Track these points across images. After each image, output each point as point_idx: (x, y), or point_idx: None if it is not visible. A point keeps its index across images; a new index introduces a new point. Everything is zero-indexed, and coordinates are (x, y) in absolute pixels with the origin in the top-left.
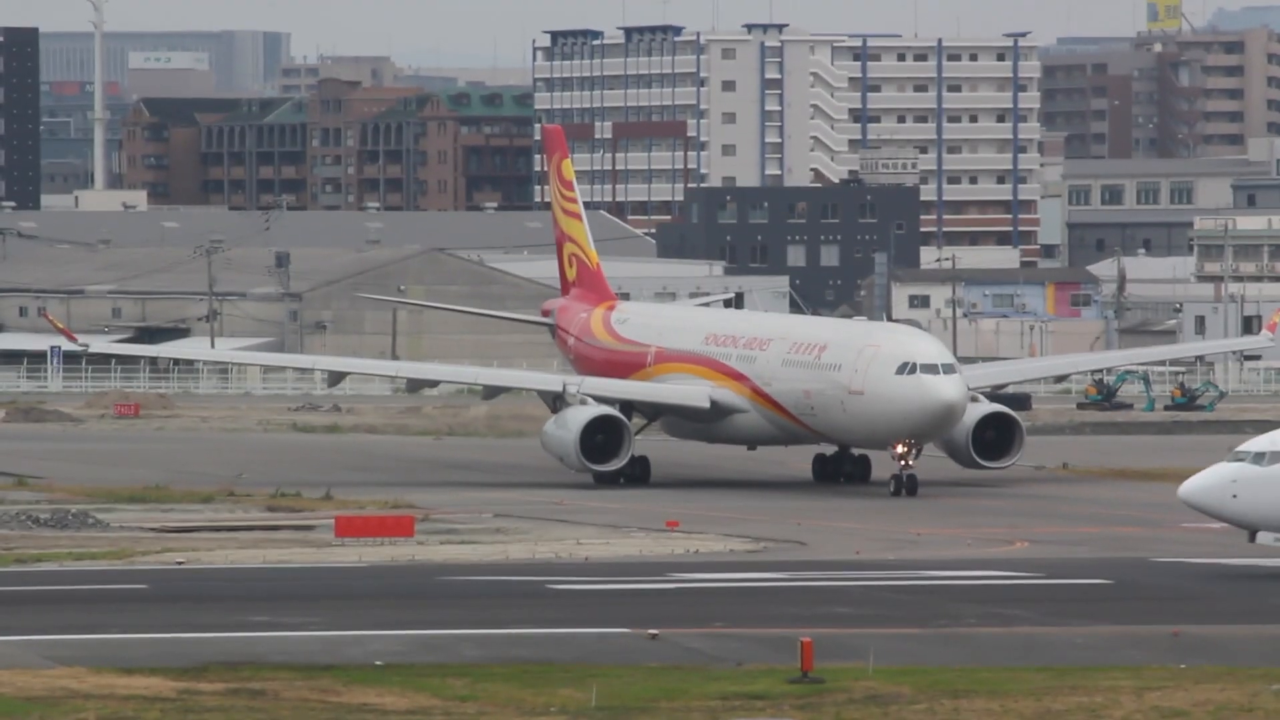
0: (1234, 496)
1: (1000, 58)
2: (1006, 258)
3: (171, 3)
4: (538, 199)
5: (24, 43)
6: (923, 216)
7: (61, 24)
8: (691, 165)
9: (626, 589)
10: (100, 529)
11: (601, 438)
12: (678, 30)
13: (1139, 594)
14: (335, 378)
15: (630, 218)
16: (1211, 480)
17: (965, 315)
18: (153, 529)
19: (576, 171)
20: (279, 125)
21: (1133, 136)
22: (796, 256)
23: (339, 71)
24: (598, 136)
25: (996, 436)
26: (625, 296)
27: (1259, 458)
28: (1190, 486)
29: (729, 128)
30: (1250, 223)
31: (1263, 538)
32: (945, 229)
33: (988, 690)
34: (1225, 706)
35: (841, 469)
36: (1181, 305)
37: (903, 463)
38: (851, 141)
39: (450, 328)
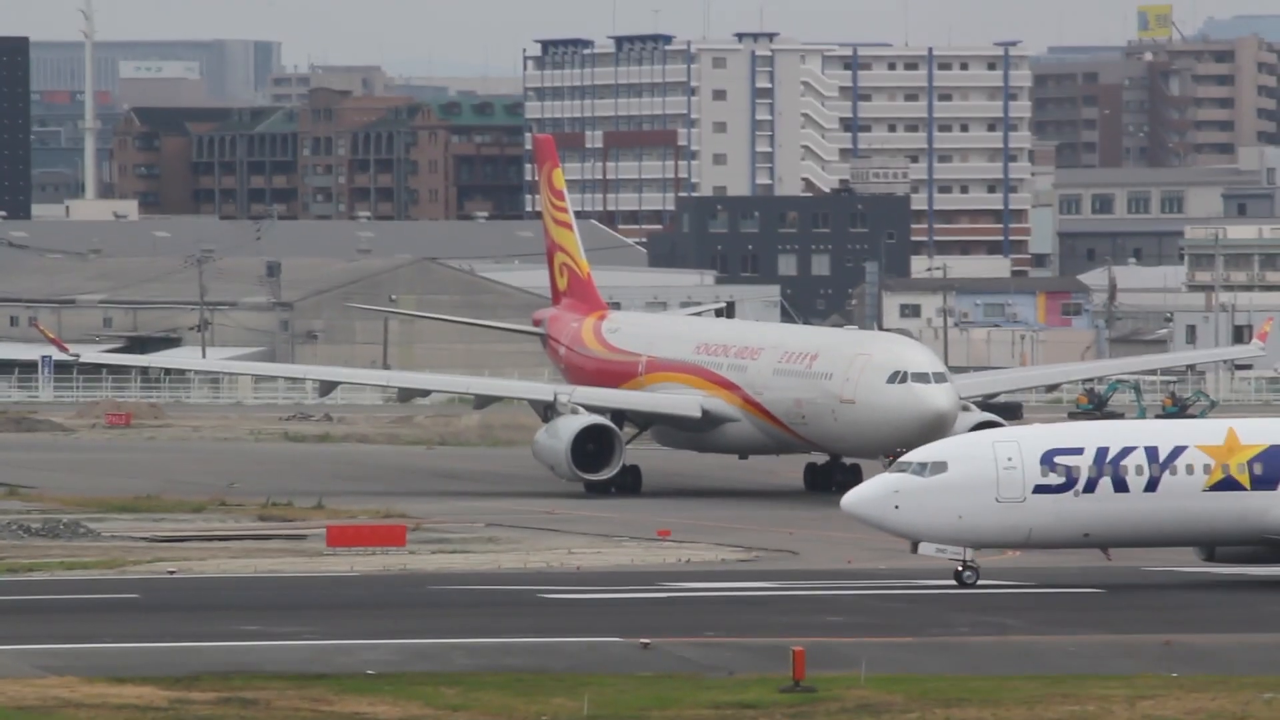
0: (896, 507)
1: (991, 67)
2: (997, 267)
3: (162, 12)
4: (529, 208)
5: (14, 52)
6: (914, 225)
7: (52, 33)
8: (682, 174)
9: (618, 598)
10: (92, 538)
11: (593, 447)
12: (668, 39)
13: (1131, 603)
14: (327, 387)
15: (621, 227)
16: (874, 491)
17: (956, 324)
18: (144, 538)
19: (567, 181)
20: (270, 134)
21: (1123, 145)
22: (787, 266)
23: (330, 81)
24: (588, 146)
25: None
26: (616, 306)
27: (921, 468)
28: (853, 497)
29: (720, 137)
30: (1241, 232)
31: (924, 548)
32: (936, 238)
33: (980, 699)
34: (1217, 715)
35: (833, 478)
36: (1172, 315)
37: None
38: (842, 150)
39: (442, 337)
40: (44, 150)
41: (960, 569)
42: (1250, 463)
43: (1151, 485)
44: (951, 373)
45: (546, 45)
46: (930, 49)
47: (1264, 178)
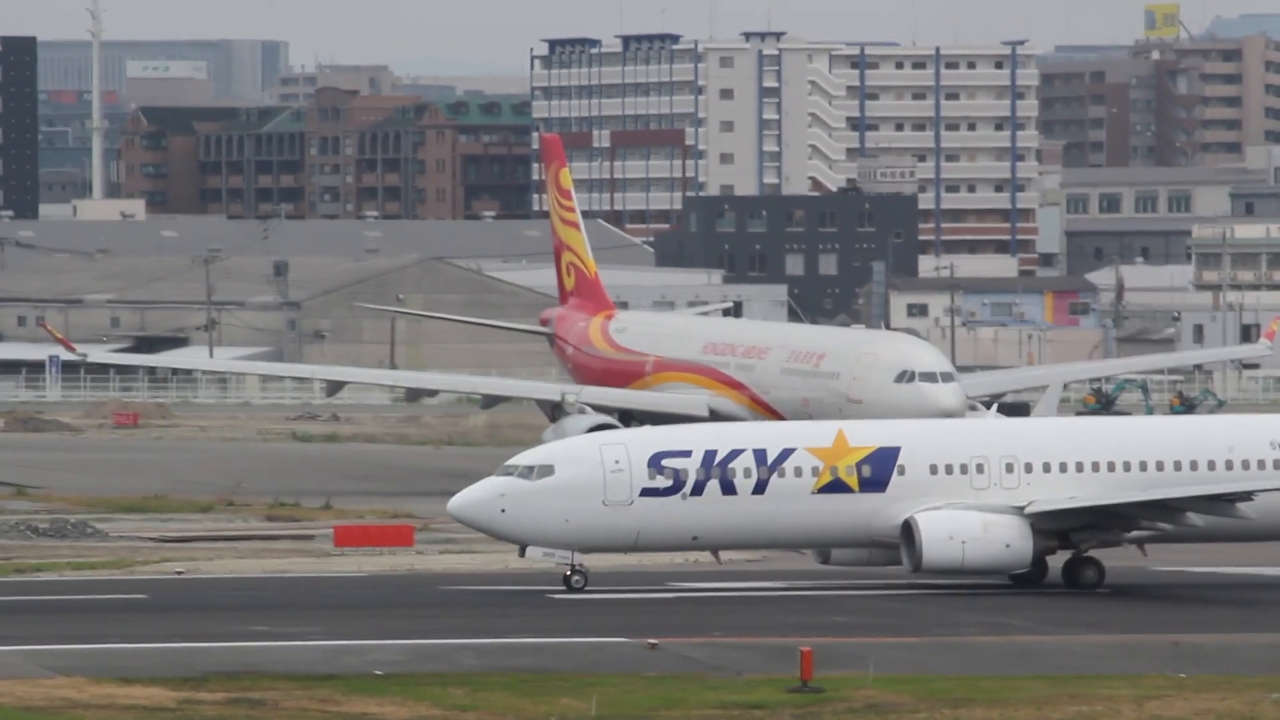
0: (502, 511)
1: (998, 66)
2: (1005, 266)
3: (169, 12)
4: (536, 208)
5: (22, 52)
6: (921, 225)
7: (59, 33)
8: (689, 174)
9: (626, 598)
10: (99, 539)
11: None
12: (675, 39)
13: (1138, 603)
14: (334, 387)
15: (628, 226)
16: (480, 494)
17: (964, 324)
18: (152, 538)
19: (575, 180)
20: (277, 134)
21: (1131, 145)
22: (795, 265)
23: (337, 80)
24: (596, 145)
25: None
26: (623, 305)
27: (528, 472)
28: (459, 501)
29: (727, 136)
30: (1248, 231)
31: (532, 552)
32: (943, 237)
33: (987, 699)
34: (1225, 715)
35: None
36: (1180, 314)
37: None
38: (849, 150)
39: (449, 337)
40: (51, 150)
41: (569, 573)
42: (859, 465)
43: (760, 488)
44: (959, 372)
45: (554, 44)
46: (937, 48)
47: (1271, 177)
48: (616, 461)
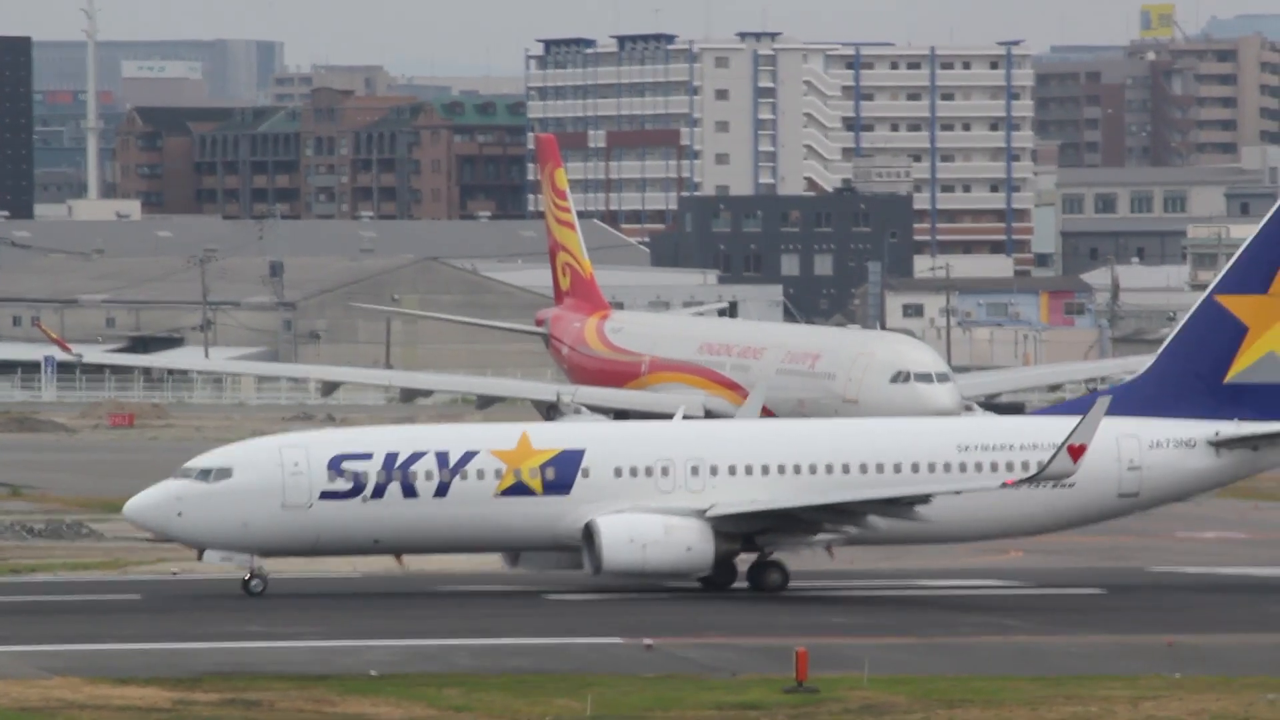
0: (179, 515)
1: (993, 66)
2: (1000, 266)
3: (165, 12)
4: (531, 208)
5: (17, 52)
6: (916, 225)
7: (55, 33)
8: (685, 174)
9: (621, 599)
10: (95, 539)
11: None
12: (671, 39)
13: (1133, 603)
14: (329, 387)
15: (624, 226)
16: (156, 498)
17: (959, 324)
18: (147, 539)
19: (570, 180)
20: (272, 134)
21: (1126, 145)
22: (790, 265)
23: (332, 80)
24: (591, 145)
25: None
26: (619, 306)
27: (205, 474)
28: (134, 504)
29: (722, 136)
30: (1244, 231)
31: (210, 556)
32: (939, 238)
33: (982, 699)
34: (1220, 716)
35: None
36: (1175, 314)
37: None
38: (845, 150)
39: (444, 337)
40: (47, 150)
41: (248, 577)
42: (542, 468)
43: (442, 490)
44: (954, 372)
45: (549, 45)
46: (933, 48)
47: (1266, 177)
48: (296, 464)
